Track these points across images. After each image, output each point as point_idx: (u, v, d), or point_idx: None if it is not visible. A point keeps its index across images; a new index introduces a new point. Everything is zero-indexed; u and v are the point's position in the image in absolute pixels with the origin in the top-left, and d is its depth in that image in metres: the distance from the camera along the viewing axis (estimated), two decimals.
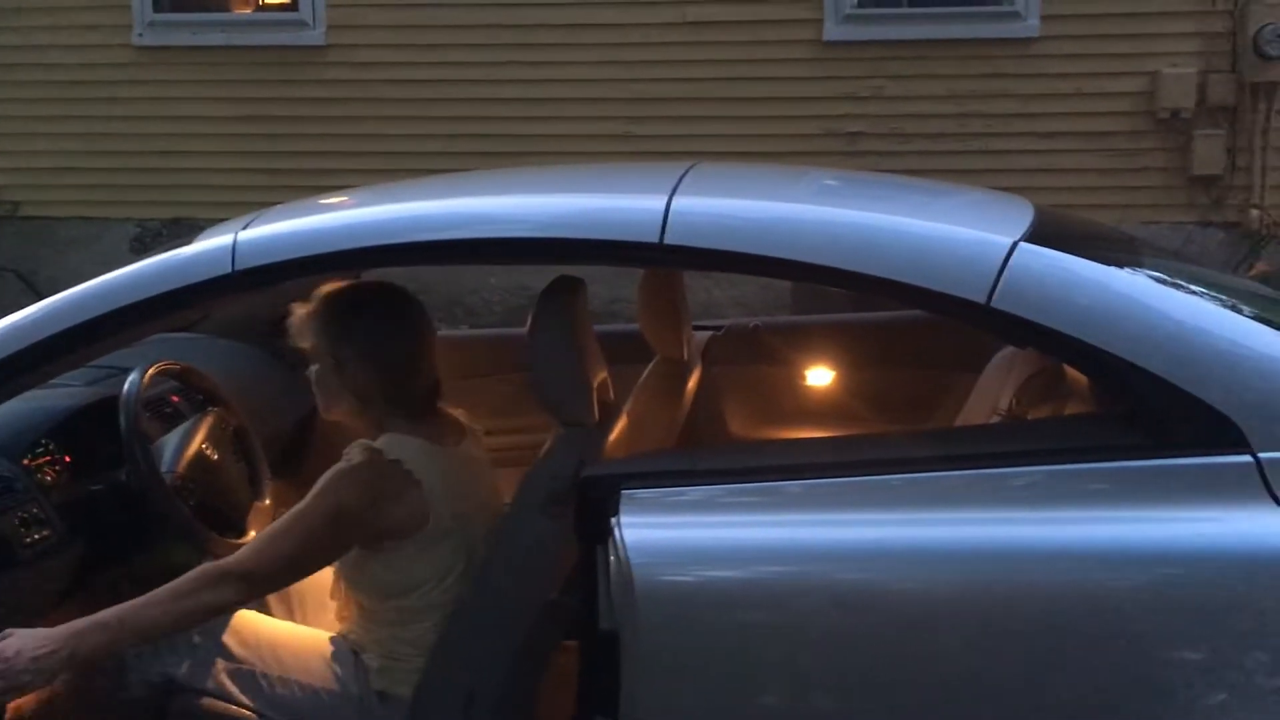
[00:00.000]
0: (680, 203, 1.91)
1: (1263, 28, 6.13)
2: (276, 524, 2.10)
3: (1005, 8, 6.43)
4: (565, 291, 2.09)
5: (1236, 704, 1.59)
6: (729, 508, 1.77)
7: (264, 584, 2.12)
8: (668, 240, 1.87)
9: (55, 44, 6.99)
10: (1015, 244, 1.80)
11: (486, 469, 2.32)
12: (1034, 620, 1.65)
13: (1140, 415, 1.74)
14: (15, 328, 2.02)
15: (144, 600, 2.01)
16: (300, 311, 2.23)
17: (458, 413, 2.32)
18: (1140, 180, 6.45)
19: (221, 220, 2.22)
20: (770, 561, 1.72)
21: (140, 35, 6.95)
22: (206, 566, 2.08)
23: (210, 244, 2.03)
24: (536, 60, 6.66)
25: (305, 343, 2.23)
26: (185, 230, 2.23)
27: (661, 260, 2.06)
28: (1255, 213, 6.39)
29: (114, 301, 2.00)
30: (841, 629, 1.68)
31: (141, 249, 6.54)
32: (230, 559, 2.08)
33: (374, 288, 2.27)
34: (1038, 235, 1.87)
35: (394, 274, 2.34)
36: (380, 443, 2.14)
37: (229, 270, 1.97)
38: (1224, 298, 1.96)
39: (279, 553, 2.06)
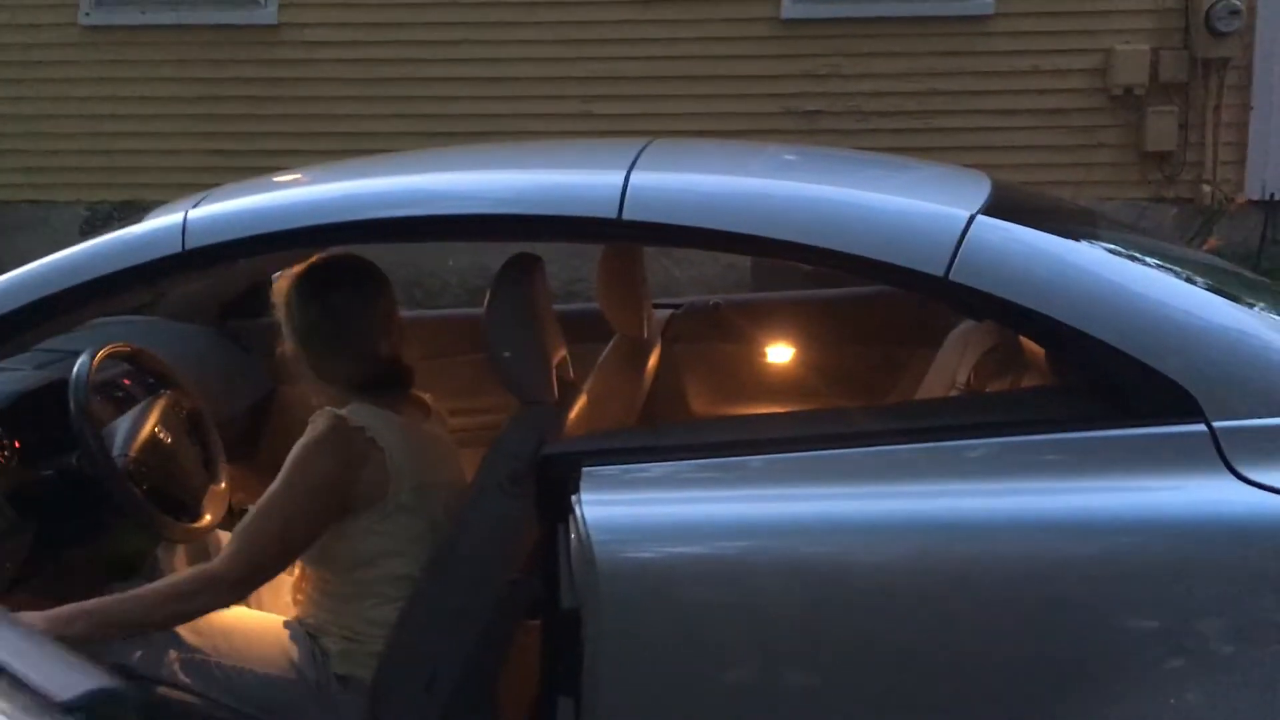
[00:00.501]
0: (639, 178, 1.89)
1: (1214, 4, 6.19)
2: (255, 512, 2.08)
3: None
4: (522, 268, 2.08)
5: (1193, 671, 1.61)
6: (690, 484, 1.77)
7: (256, 578, 2.11)
8: (626, 215, 1.86)
9: (0, 24, 6.85)
10: (973, 217, 1.81)
11: (451, 449, 2.30)
12: (993, 591, 1.66)
13: (1097, 386, 1.76)
14: None
15: (135, 595, 2.01)
16: (276, 287, 2.24)
17: (423, 396, 2.31)
18: (1094, 157, 6.51)
19: None
20: (732, 537, 1.72)
21: (87, 15, 6.82)
22: (197, 571, 2.08)
23: (161, 223, 2.00)
24: (492, 39, 6.61)
25: (280, 318, 2.24)
26: (136, 213, 2.19)
27: (620, 235, 2.05)
28: (1207, 188, 6.46)
29: (63, 281, 1.97)
30: (803, 603, 1.68)
31: (92, 232, 6.40)
32: (217, 561, 2.08)
33: (332, 264, 2.24)
34: (995, 208, 1.87)
35: (359, 252, 2.31)
36: (345, 410, 2.13)
37: (180, 249, 1.94)
38: (1179, 270, 1.97)
39: (265, 541, 2.05)
